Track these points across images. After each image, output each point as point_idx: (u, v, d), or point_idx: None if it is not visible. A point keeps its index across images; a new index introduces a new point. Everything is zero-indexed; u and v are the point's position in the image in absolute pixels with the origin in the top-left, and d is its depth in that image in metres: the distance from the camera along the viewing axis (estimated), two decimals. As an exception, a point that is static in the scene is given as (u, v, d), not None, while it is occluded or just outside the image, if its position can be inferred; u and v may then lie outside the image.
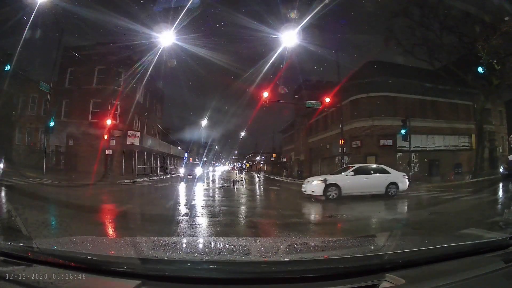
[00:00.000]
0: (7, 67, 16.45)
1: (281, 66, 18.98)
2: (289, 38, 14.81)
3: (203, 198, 11.02)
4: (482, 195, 11.53)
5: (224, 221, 6.22)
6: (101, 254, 1.62)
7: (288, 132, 41.09)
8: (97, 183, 15.57)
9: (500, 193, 11.65)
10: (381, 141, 20.98)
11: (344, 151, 18.46)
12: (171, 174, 32.56)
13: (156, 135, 32.94)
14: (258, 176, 36.74)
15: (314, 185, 10.40)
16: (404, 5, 18.51)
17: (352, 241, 2.47)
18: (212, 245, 2.52)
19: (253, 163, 74.94)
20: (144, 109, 29.04)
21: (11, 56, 16.72)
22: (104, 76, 23.12)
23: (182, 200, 10.42)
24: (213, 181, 23.13)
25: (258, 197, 12.48)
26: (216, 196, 12.15)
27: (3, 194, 9.22)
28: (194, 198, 10.76)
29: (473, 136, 21.39)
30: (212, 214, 7.15)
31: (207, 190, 14.63)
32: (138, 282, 1.27)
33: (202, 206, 8.53)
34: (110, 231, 5.31)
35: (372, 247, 2.15)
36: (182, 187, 15.54)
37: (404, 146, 18.98)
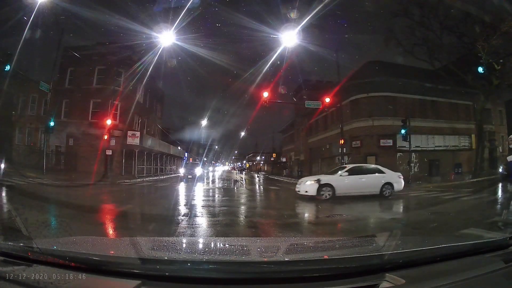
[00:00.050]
0: (7, 67, 16.46)
1: (281, 66, 19.02)
2: (289, 38, 14.82)
3: (203, 198, 11.01)
4: (482, 195, 11.52)
5: (224, 221, 6.22)
6: (101, 254, 1.62)
7: (288, 132, 41.07)
8: (97, 183, 15.56)
9: (500, 193, 11.63)
10: (381, 141, 20.99)
11: (344, 151, 18.44)
12: (171, 174, 32.53)
13: (156, 135, 32.93)
14: (258, 176, 36.69)
15: (307, 185, 10.32)
16: (404, 5, 18.51)
17: (352, 241, 2.46)
18: (212, 245, 2.52)
19: (253, 163, 74.87)
20: (144, 109, 29.03)
21: (11, 56, 16.76)
22: (104, 76, 23.12)
23: (182, 200, 10.40)
24: (213, 181, 23.11)
25: (257, 197, 12.47)
26: (216, 196, 12.14)
27: (3, 194, 9.22)
28: (194, 198, 10.74)
29: (473, 136, 21.40)
30: (212, 214, 7.15)
31: (207, 190, 14.62)
32: (138, 282, 1.27)
33: (202, 206, 8.52)
34: (110, 231, 5.30)
35: (372, 247, 2.15)
36: (182, 187, 15.52)
37: (404, 146, 18.97)
